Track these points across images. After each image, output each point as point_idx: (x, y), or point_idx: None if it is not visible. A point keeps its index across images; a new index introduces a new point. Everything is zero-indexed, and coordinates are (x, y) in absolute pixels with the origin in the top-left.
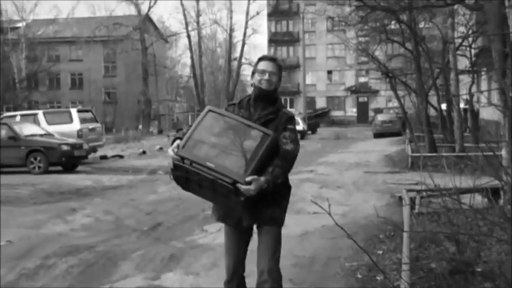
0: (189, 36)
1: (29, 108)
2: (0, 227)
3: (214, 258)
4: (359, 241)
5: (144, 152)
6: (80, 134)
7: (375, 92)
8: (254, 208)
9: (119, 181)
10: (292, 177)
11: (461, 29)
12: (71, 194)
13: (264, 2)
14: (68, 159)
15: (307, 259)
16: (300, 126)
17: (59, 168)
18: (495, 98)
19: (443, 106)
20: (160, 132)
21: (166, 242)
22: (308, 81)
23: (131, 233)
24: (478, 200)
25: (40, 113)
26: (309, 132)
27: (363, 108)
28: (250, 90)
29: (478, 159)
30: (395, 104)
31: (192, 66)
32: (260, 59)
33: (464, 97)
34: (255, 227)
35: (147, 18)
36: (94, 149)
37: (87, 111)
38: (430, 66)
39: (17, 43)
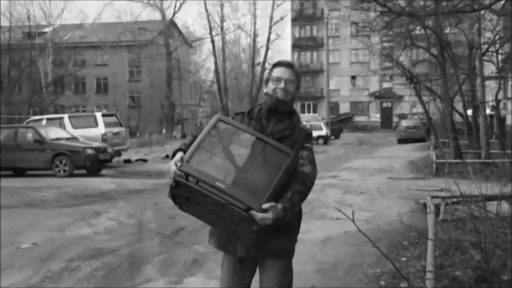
0: (213, 41)
1: (55, 112)
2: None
3: None
4: (382, 248)
5: (167, 156)
6: (104, 138)
7: (399, 98)
8: (258, 237)
9: (143, 185)
10: (316, 182)
11: (488, 34)
12: (95, 197)
13: (288, 7)
14: (92, 163)
15: (329, 265)
16: (324, 131)
17: (84, 171)
18: None
19: (469, 112)
20: (183, 136)
21: (189, 246)
22: (332, 86)
23: (154, 237)
24: (505, 207)
25: (66, 117)
26: (332, 137)
27: (386, 114)
28: None
29: (504, 166)
30: (420, 109)
31: (216, 71)
32: (275, 65)
33: (491, 103)
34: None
35: (172, 24)
36: (118, 153)
37: (111, 115)
38: (455, 72)
39: (44, 48)
